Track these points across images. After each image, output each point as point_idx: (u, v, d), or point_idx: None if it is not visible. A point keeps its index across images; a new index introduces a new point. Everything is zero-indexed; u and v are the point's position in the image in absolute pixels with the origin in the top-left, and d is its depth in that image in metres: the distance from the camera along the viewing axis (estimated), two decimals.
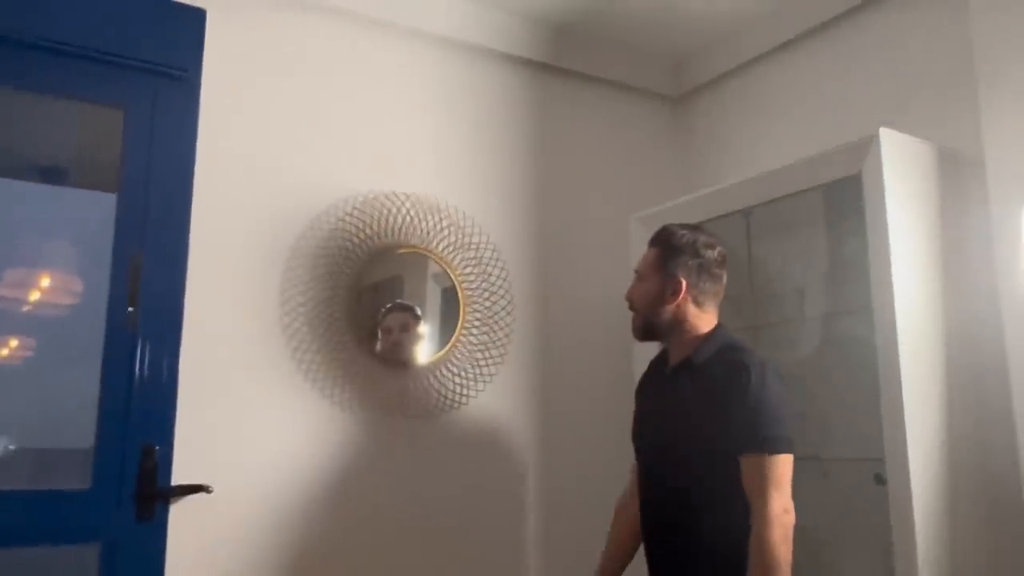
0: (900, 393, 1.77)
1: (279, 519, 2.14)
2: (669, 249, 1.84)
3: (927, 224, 1.92)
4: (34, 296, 3.77)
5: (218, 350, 2.14)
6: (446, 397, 2.42)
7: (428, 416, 2.39)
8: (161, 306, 2.08)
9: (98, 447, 1.99)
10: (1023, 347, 1.84)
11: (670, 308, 1.81)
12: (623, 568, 1.98)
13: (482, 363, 2.50)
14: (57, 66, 2.06)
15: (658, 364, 1.94)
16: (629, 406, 2.53)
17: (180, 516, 2.01)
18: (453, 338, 2.44)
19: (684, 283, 1.80)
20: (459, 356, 2.46)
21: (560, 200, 2.76)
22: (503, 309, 2.56)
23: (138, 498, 1.98)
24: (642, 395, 2.00)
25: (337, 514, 2.22)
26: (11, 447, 3.35)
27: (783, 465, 1.62)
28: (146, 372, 2.04)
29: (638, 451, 1.93)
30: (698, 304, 1.81)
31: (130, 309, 2.05)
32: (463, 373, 2.46)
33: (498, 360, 2.52)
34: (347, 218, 2.36)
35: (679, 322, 1.81)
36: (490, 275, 2.56)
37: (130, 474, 1.99)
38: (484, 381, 2.49)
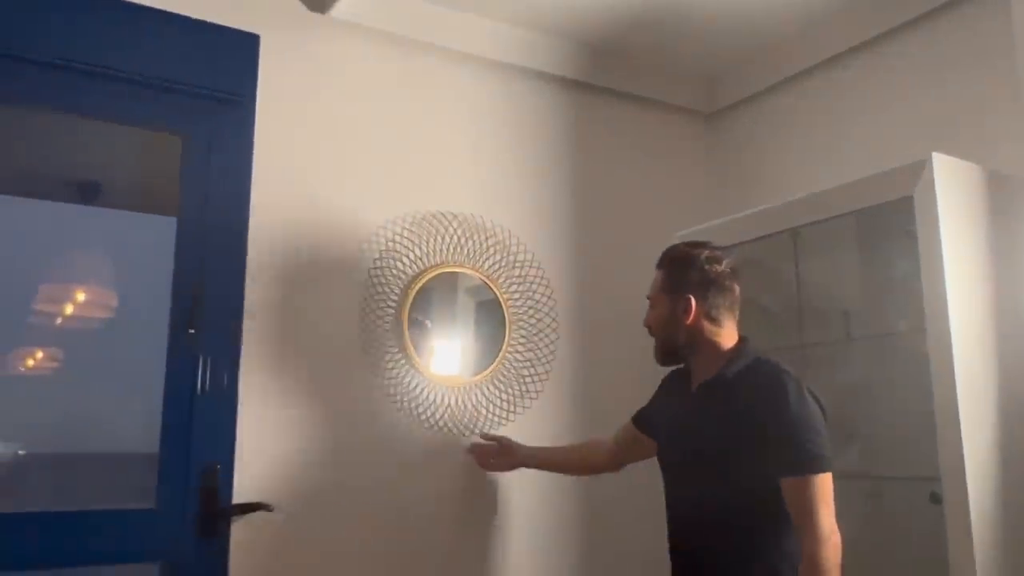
0: (956, 410, 1.79)
1: (341, 537, 2.17)
2: (674, 268, 1.86)
3: (978, 245, 1.94)
4: (68, 310, 3.82)
5: (276, 369, 2.18)
6: (494, 414, 2.45)
7: (477, 432, 2.42)
8: (221, 328, 2.12)
9: (161, 467, 2.03)
10: None
11: (685, 328, 1.81)
12: (549, 465, 2.30)
13: (528, 380, 2.53)
14: (116, 93, 2.10)
15: (679, 381, 1.95)
16: None
17: (242, 535, 2.05)
18: (500, 355, 2.47)
19: (693, 299, 1.79)
20: (505, 373, 2.49)
21: (601, 218, 2.79)
22: (548, 327, 2.59)
23: (200, 517, 2.03)
24: (664, 407, 2.00)
25: (396, 530, 2.25)
26: (21, 452, 3.40)
27: (829, 483, 1.62)
28: (207, 392, 2.08)
29: (663, 467, 1.92)
30: (712, 320, 1.80)
31: (191, 331, 2.09)
32: (510, 390, 2.49)
33: (543, 377, 2.56)
34: (397, 238, 2.39)
35: (698, 340, 1.81)
36: (534, 293, 2.59)
37: (192, 493, 2.03)
38: (531, 398, 2.52)
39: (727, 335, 1.81)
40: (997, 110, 2.17)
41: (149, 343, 2.18)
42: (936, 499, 1.85)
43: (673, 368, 1.99)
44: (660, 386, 2.06)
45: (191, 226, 2.13)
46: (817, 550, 1.57)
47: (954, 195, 1.92)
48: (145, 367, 2.20)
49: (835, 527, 1.61)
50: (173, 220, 2.12)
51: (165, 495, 2.02)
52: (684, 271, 1.83)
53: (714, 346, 1.80)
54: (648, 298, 1.91)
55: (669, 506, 1.88)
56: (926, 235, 1.90)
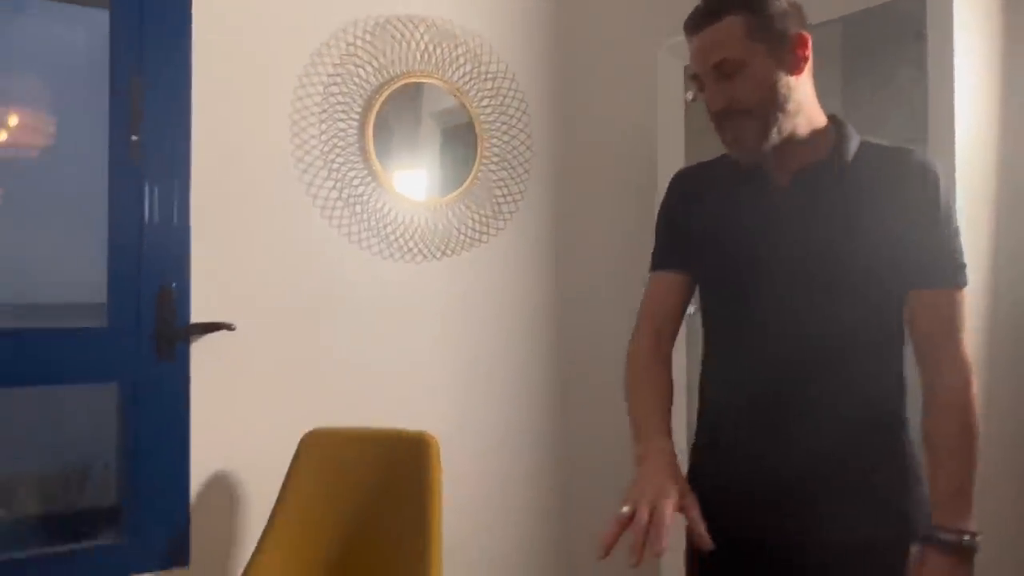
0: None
1: (302, 354, 2.10)
2: (759, 5, 1.21)
3: (990, 58, 1.80)
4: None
5: (230, 184, 2.02)
6: (466, 235, 2.34)
7: (448, 254, 2.31)
8: (167, 135, 1.94)
9: (111, 289, 1.91)
10: None
11: (793, 88, 1.22)
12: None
13: (501, 200, 2.40)
14: None
15: (730, 179, 1.33)
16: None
17: (203, 354, 1.96)
18: (471, 175, 2.33)
19: (807, 37, 1.22)
20: (478, 193, 2.36)
21: (582, 29, 2.57)
22: (522, 144, 2.43)
23: (157, 337, 1.93)
24: (722, 219, 1.33)
25: (359, 348, 2.18)
26: None
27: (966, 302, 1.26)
28: (156, 208, 1.93)
29: (731, 297, 1.33)
30: (810, 75, 1.26)
31: (134, 138, 1.91)
32: (482, 210, 2.37)
33: (517, 197, 2.43)
34: (358, 42, 2.18)
35: (801, 111, 1.24)
36: (508, 108, 2.41)
37: (148, 313, 1.92)
38: (504, 219, 2.40)
39: (817, 105, 1.29)
40: None
41: (93, 179, 1.98)
42: None
43: (685, 169, 1.47)
44: (683, 197, 1.41)
45: (126, 18, 1.89)
46: (961, 383, 1.20)
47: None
48: (92, 203, 2.01)
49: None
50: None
51: (117, 315, 1.90)
52: (774, 4, 1.21)
53: (810, 118, 1.26)
54: (722, 65, 1.22)
55: (751, 337, 1.31)
56: (937, 40, 1.75)
